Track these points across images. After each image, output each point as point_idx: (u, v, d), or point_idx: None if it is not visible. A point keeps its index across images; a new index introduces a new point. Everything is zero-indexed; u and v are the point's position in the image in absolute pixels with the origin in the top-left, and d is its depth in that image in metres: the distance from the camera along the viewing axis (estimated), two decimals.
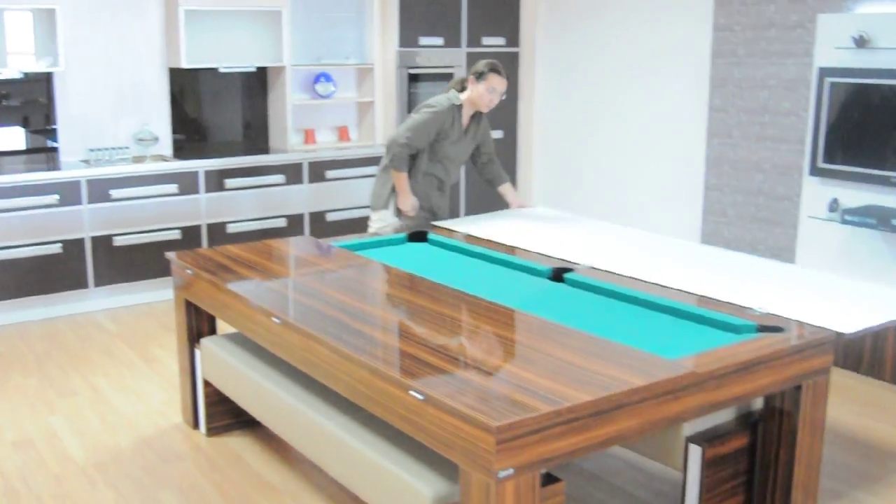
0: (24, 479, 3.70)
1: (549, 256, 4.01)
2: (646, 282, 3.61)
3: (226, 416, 4.11)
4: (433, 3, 7.05)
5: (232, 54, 6.53)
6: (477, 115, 4.80)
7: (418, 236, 4.58)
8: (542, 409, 2.33)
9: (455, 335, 2.97)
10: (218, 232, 6.30)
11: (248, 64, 6.58)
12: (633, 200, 6.90)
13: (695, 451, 2.98)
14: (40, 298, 5.76)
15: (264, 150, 6.72)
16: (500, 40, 7.42)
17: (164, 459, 3.88)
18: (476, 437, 2.31)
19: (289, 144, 6.72)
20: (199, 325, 4.12)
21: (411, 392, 2.52)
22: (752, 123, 5.93)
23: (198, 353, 4.05)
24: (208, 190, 6.21)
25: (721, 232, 6.23)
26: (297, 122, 6.96)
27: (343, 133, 7.20)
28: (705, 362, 2.72)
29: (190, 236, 6.18)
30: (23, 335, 5.48)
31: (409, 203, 4.67)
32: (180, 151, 6.50)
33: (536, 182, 7.77)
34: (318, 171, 6.63)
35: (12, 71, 6.05)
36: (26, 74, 6.11)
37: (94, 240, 5.85)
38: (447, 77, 7.15)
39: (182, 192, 6.11)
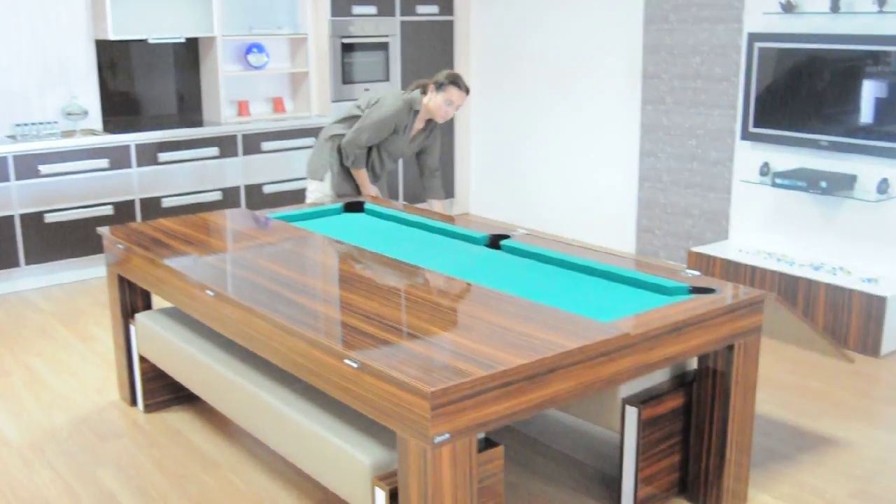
0: None
1: (486, 221, 4.02)
2: (581, 246, 3.65)
3: (163, 391, 4.07)
4: None
5: (161, 25, 6.38)
6: (430, 123, 4.77)
7: (355, 206, 4.56)
8: (476, 373, 2.35)
9: (392, 304, 2.97)
10: (152, 207, 6.19)
11: (178, 34, 6.44)
12: (569, 167, 6.94)
13: (631, 413, 3.03)
14: None
15: (198, 122, 6.61)
16: (434, 8, 7.36)
17: (102, 437, 3.83)
18: (411, 404, 2.31)
19: (222, 117, 6.62)
20: (133, 301, 4.06)
21: (346, 361, 2.52)
22: (685, 89, 5.99)
23: (133, 329, 3.99)
24: (141, 164, 6.09)
25: (657, 198, 6.30)
26: (230, 94, 6.86)
27: (278, 104, 7.12)
28: (638, 324, 2.76)
29: (123, 212, 6.07)
30: None
31: (372, 191, 4.82)
32: (111, 125, 6.36)
33: (473, 147, 7.77)
34: (253, 143, 6.55)
35: None
36: None
37: (24, 217, 5.71)
38: (382, 46, 7.10)
39: (113, 167, 5.99)
